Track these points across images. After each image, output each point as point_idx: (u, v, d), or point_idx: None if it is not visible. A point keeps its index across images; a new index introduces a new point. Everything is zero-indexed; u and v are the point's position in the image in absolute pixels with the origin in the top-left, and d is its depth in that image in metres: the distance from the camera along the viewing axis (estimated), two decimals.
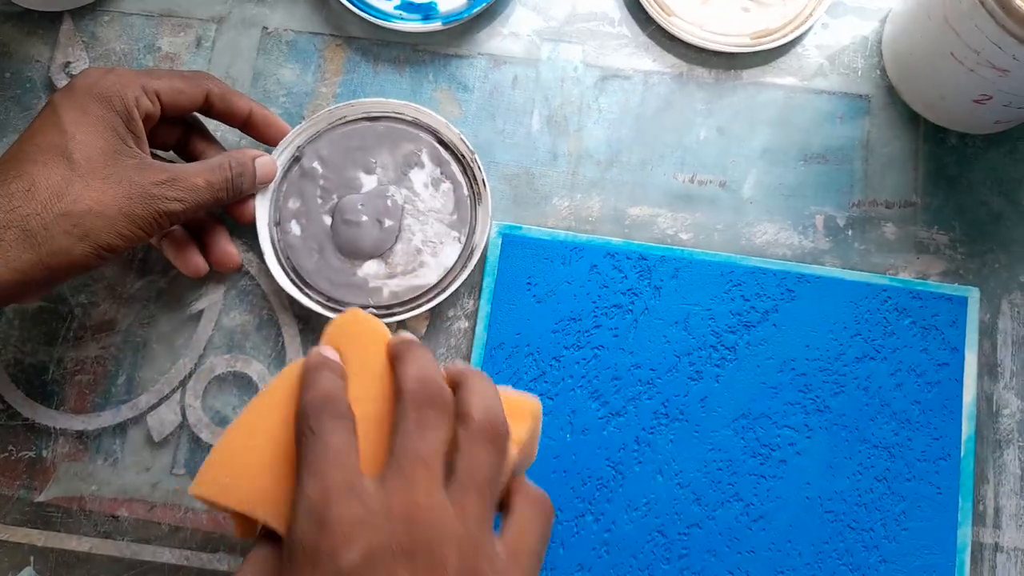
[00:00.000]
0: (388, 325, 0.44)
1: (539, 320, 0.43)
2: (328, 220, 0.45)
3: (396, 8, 0.48)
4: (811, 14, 0.47)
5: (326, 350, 0.33)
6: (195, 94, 0.41)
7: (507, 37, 0.48)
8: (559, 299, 0.44)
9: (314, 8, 0.49)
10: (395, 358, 0.33)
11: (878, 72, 0.48)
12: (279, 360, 0.44)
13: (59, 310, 0.45)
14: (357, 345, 0.34)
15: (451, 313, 0.45)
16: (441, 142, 0.46)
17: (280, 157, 0.45)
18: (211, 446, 0.43)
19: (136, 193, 0.37)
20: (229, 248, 0.44)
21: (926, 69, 0.44)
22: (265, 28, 0.49)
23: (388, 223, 0.45)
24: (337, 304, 0.44)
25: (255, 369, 0.44)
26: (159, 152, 0.44)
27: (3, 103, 0.47)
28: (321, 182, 0.45)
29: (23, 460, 0.43)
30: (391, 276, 0.44)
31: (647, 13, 0.48)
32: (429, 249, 0.44)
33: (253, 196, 0.44)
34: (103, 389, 0.44)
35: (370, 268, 0.44)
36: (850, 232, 0.45)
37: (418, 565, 0.27)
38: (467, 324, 0.44)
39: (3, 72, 0.48)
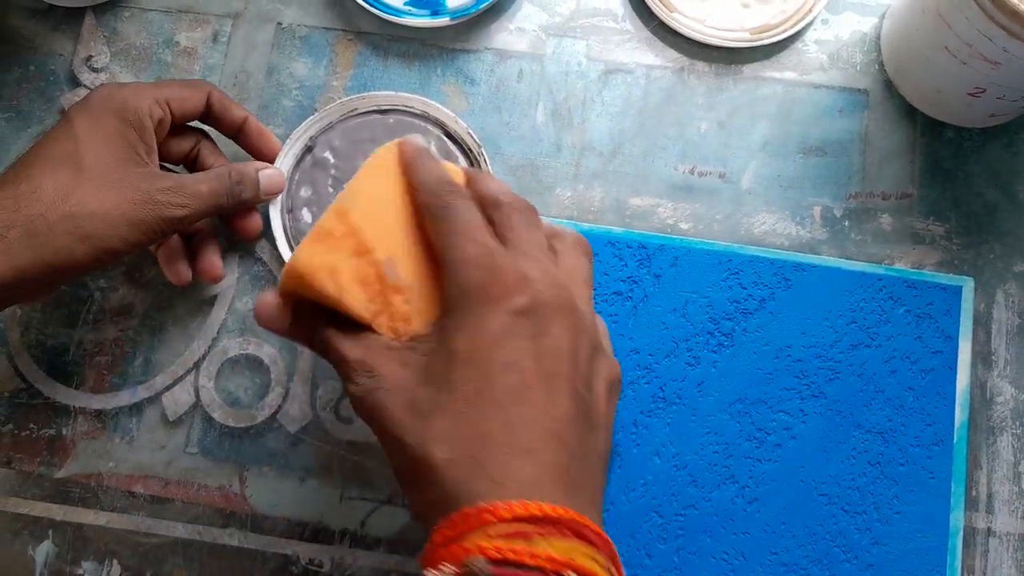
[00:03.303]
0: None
1: None
2: None
3: (406, 4, 0.49)
4: (810, 10, 0.48)
5: (415, 138, 0.36)
6: (198, 98, 0.43)
7: (513, 32, 0.50)
8: None
9: (327, 4, 0.50)
10: (470, 179, 0.35)
11: (876, 67, 0.49)
12: (289, 344, 0.46)
13: (79, 294, 0.46)
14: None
15: None
16: (448, 135, 0.47)
17: (293, 147, 0.47)
18: (223, 426, 0.45)
19: (140, 199, 0.39)
20: (215, 260, 0.45)
21: (922, 63, 0.45)
22: (279, 23, 0.50)
23: None
24: None
25: (266, 352, 0.46)
26: (169, 165, 0.45)
27: (28, 95, 0.49)
28: (332, 171, 0.47)
29: (44, 438, 0.45)
30: None
31: (650, 9, 0.49)
32: None
33: (256, 211, 0.45)
34: (120, 370, 0.46)
35: None
36: (847, 223, 0.46)
37: (568, 321, 0.32)
38: None
39: (28, 65, 0.49)
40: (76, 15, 0.50)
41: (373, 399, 0.31)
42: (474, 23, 0.50)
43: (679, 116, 0.48)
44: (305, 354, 0.45)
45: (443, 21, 0.49)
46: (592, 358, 0.33)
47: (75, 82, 0.49)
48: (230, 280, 0.47)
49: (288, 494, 0.44)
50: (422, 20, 0.49)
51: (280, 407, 0.45)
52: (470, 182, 0.35)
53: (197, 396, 0.45)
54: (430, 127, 0.47)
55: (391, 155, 0.36)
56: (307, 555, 0.43)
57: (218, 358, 0.46)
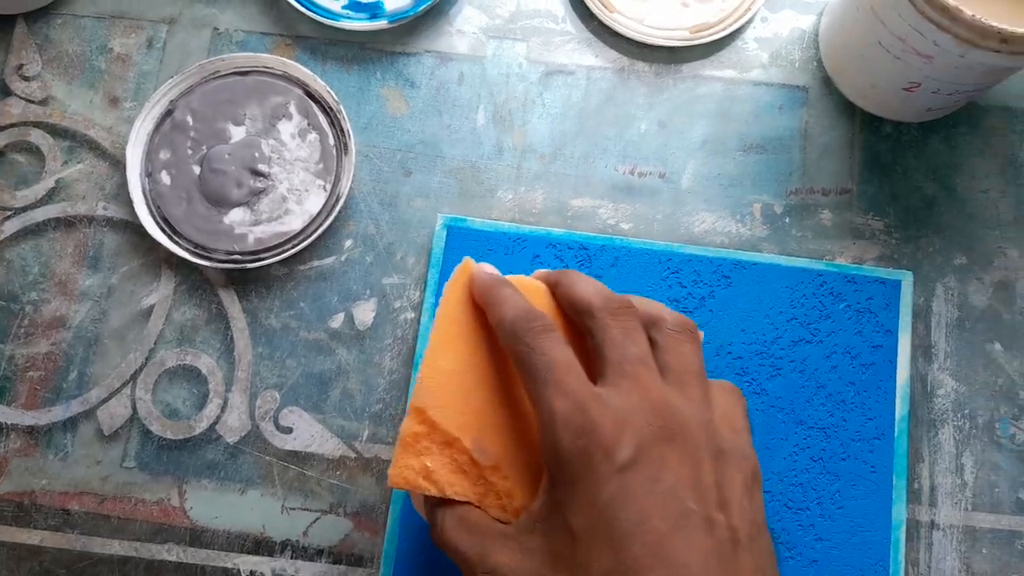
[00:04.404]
0: (251, 272, 0.46)
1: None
2: (197, 170, 0.46)
3: (343, 7, 0.49)
4: (749, 8, 0.48)
5: (486, 267, 0.35)
6: None
7: (453, 35, 0.49)
8: None
9: (263, 8, 0.50)
10: (556, 284, 0.34)
11: (815, 64, 0.49)
12: (228, 353, 0.45)
13: (10, 308, 0.45)
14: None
15: (397, 304, 0.45)
16: (309, 94, 0.47)
17: (152, 111, 0.47)
18: (161, 438, 0.44)
19: None
20: None
21: (858, 59, 0.45)
22: (215, 29, 0.49)
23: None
24: (204, 251, 0.45)
25: (204, 363, 0.45)
26: None
27: None
28: (192, 134, 0.47)
29: None
30: (256, 223, 0.45)
31: (589, 10, 0.49)
32: (294, 197, 0.46)
33: None
34: (54, 385, 0.45)
35: (236, 215, 0.46)
36: (787, 219, 0.46)
37: (679, 446, 0.29)
38: (413, 315, 0.45)
39: None
40: (6, 22, 0.49)
41: None
42: (413, 26, 0.49)
43: (619, 117, 0.48)
44: (243, 363, 0.45)
45: (381, 24, 0.48)
46: (717, 469, 0.30)
47: (6, 91, 0.48)
48: (167, 290, 0.46)
49: (228, 506, 0.43)
50: (360, 24, 0.48)
51: (219, 418, 0.44)
52: (556, 286, 0.34)
53: (134, 409, 0.44)
54: (291, 87, 0.47)
55: (459, 284, 0.35)
56: (248, 567, 0.43)
57: (155, 369, 0.45)
